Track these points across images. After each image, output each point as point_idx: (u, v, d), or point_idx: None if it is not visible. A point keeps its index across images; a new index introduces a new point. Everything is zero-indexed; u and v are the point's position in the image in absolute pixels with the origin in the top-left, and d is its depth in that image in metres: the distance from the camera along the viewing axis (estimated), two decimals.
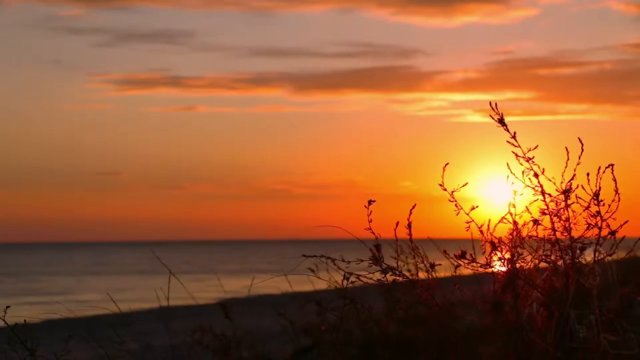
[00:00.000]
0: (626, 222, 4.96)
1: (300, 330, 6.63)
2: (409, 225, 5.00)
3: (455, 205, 5.04)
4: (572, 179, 4.96)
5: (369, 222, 4.94)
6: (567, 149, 4.98)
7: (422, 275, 5.28)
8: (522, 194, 5.02)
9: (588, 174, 4.99)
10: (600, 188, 4.95)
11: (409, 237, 5.01)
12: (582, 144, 4.95)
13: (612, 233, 4.94)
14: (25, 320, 5.31)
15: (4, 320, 5.30)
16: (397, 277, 4.98)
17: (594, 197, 4.94)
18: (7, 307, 5.33)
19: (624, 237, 4.98)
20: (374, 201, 4.95)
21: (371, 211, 4.93)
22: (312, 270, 6.42)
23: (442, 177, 5.00)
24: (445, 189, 5.03)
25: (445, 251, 5.07)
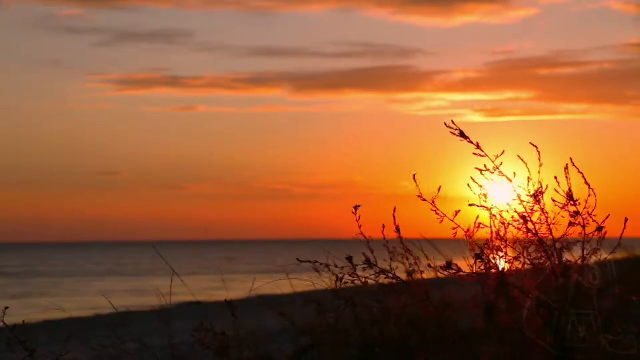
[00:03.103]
0: (608, 216, 4.97)
1: (301, 331, 6.63)
2: (398, 229, 5.03)
3: (437, 213, 5.07)
4: (529, 182, 5.01)
5: (359, 227, 5.01)
6: (537, 150, 5.01)
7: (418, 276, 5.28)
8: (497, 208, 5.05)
9: (556, 177, 5.01)
10: (570, 188, 4.98)
11: (399, 238, 5.04)
12: (537, 147, 5.01)
13: (599, 229, 4.95)
14: (24, 321, 5.30)
15: (2, 321, 5.29)
16: (391, 280, 5.00)
17: (569, 198, 4.98)
18: (6, 308, 5.32)
19: (605, 233, 4.98)
20: (359, 206, 5.04)
21: (359, 216, 5.01)
22: (317, 270, 6.41)
23: (418, 188, 5.05)
24: (424, 199, 5.06)
25: (429, 265, 5.10)
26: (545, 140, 5.12)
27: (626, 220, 4.98)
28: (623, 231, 4.99)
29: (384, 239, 5.03)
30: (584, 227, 4.96)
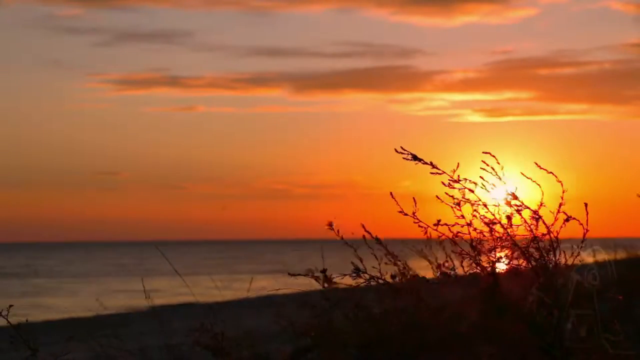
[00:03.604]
0: (560, 205, 4.98)
1: (299, 331, 6.62)
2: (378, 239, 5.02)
3: (419, 225, 5.09)
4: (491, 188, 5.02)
5: (341, 238, 5.05)
6: (494, 156, 5.04)
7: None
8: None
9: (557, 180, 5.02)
10: (506, 189, 5.02)
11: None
12: (492, 154, 5.05)
13: (567, 220, 4.97)
14: (27, 320, 5.30)
15: (6, 318, 5.29)
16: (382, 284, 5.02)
17: (513, 196, 5.01)
18: (11, 305, 5.32)
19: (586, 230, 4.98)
20: (332, 223, 5.09)
21: (338, 230, 5.06)
22: (312, 272, 6.41)
23: (398, 204, 5.07)
24: (406, 214, 5.08)
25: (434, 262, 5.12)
26: (546, 140, 5.13)
27: (586, 205, 4.99)
28: (587, 218, 4.99)
29: (371, 240, 5.04)
30: (537, 220, 4.98)
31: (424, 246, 6.09)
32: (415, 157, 5.04)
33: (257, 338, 6.68)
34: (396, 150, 5.01)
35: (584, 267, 4.98)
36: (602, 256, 5.06)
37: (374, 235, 5.06)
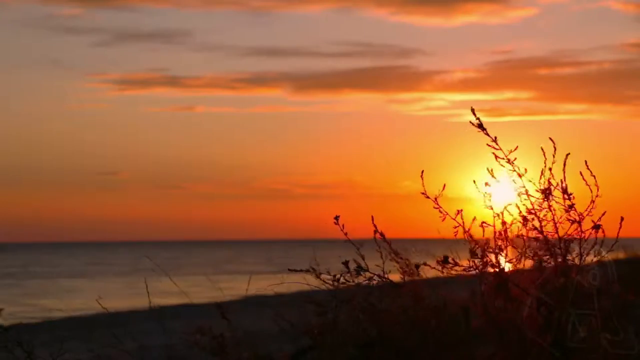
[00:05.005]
0: (604, 213, 4.95)
1: (301, 331, 6.60)
2: (382, 235, 5.00)
3: (440, 211, 5.06)
4: (541, 177, 4.98)
5: (345, 234, 5.03)
6: (542, 150, 5.00)
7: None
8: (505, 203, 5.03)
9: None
10: (562, 182, 4.97)
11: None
12: (554, 143, 5.00)
13: (597, 227, 4.94)
14: (21, 322, 5.30)
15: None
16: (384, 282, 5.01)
17: (563, 192, 4.96)
18: (1, 309, 5.31)
19: (603, 232, 4.95)
20: (338, 217, 5.05)
21: (343, 224, 5.05)
22: (314, 270, 6.40)
23: (423, 185, 5.04)
24: (428, 197, 5.05)
25: (419, 264, 5.09)
26: (545, 141, 5.11)
27: (622, 219, 4.97)
28: (619, 230, 4.97)
29: (380, 239, 5.02)
30: (579, 222, 4.95)
31: (427, 245, 6.08)
32: (480, 125, 5.02)
33: (258, 338, 6.67)
34: (472, 110, 4.97)
35: (583, 267, 4.97)
36: (601, 254, 5.05)
37: (379, 231, 5.04)
